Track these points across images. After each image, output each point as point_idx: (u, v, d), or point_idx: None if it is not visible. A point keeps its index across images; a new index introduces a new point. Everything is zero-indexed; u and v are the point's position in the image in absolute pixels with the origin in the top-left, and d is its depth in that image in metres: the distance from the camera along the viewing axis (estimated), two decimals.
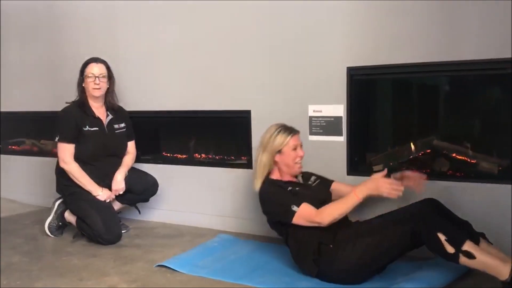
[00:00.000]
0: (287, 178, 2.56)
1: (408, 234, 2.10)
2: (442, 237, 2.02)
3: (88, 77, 3.06)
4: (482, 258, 1.98)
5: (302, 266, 2.40)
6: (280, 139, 2.49)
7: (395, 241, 2.14)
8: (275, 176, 2.56)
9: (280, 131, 2.51)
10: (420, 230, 2.06)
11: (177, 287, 2.35)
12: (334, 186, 2.64)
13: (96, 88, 3.07)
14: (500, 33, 2.39)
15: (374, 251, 2.18)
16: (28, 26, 4.09)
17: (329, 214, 2.30)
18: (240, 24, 3.10)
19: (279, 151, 2.50)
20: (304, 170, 2.61)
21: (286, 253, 2.68)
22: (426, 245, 2.09)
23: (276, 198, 2.46)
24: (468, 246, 2.00)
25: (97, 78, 3.07)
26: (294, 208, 2.33)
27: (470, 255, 1.98)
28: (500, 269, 1.96)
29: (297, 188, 2.49)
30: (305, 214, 2.33)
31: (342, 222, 2.36)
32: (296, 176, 2.61)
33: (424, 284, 2.14)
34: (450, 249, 2.00)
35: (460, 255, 1.99)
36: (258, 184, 2.53)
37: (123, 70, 3.39)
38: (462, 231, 2.08)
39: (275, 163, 2.53)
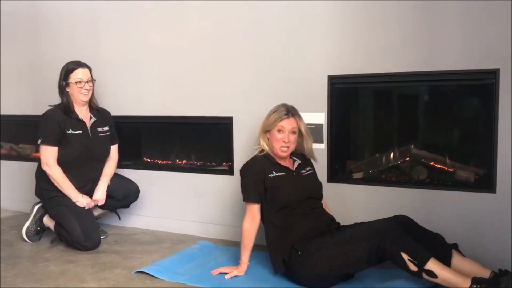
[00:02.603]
0: (282, 161, 2.53)
1: (373, 250, 2.13)
2: (405, 256, 2.06)
3: (77, 83, 3.01)
4: (444, 276, 2.04)
5: (272, 260, 2.45)
6: (272, 118, 2.49)
7: (358, 256, 2.17)
8: (275, 156, 2.52)
9: (276, 110, 2.51)
10: (385, 248, 2.10)
11: None
12: None
13: (85, 94, 3.05)
14: (480, 44, 2.45)
15: (338, 263, 2.22)
16: (8, 28, 4.04)
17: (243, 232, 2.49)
18: (223, 31, 3.11)
19: (268, 131, 2.51)
20: None
21: (266, 259, 2.68)
22: (392, 262, 2.14)
23: (244, 177, 2.50)
24: (430, 264, 2.04)
25: (86, 83, 3.04)
26: (243, 197, 2.49)
27: (431, 274, 2.04)
28: (461, 285, 2.01)
29: (282, 174, 2.47)
30: (247, 212, 2.49)
31: (317, 231, 2.39)
32: (294, 159, 2.57)
33: None
34: (413, 268, 2.06)
35: (423, 273, 2.05)
36: None
37: (104, 74, 3.37)
38: (426, 249, 2.10)
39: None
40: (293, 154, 2.58)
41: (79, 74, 3.03)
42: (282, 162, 2.53)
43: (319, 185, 2.59)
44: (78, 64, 3.06)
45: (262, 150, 2.55)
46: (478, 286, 1.99)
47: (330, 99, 2.81)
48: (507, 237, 2.43)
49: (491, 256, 2.44)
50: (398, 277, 2.28)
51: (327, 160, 2.83)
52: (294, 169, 2.54)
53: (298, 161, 2.57)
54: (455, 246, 2.27)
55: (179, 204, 3.37)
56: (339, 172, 2.90)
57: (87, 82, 3.04)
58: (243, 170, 2.52)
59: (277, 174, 2.47)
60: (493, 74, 2.43)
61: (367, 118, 3.00)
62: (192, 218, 3.31)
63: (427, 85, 2.73)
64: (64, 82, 3.04)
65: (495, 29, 2.41)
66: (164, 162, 3.53)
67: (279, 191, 2.44)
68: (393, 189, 2.71)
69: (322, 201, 2.59)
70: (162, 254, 2.89)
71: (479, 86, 2.56)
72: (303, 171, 2.57)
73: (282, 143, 2.45)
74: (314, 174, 2.62)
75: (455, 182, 2.62)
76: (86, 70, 3.07)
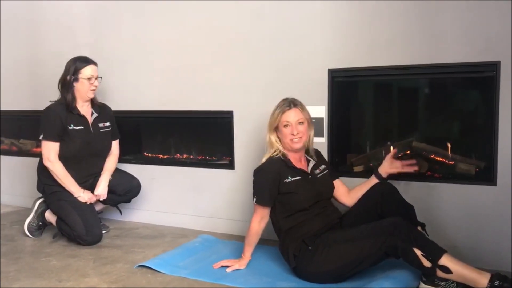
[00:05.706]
0: (297, 160, 2.46)
1: (384, 247, 2.11)
2: (418, 252, 2.05)
3: (87, 79, 3.02)
4: (459, 272, 2.01)
5: (283, 254, 2.43)
6: (275, 114, 2.42)
7: (369, 253, 2.15)
8: (290, 155, 2.45)
9: (277, 106, 2.44)
10: (397, 245, 2.08)
11: (158, 287, 2.34)
12: (336, 183, 2.58)
13: (93, 90, 3.06)
14: (480, 37, 2.44)
15: (346, 260, 2.20)
16: (7, 24, 4.03)
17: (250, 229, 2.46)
18: (222, 25, 3.10)
19: (276, 128, 2.44)
20: None
21: (267, 253, 2.69)
22: (403, 259, 2.11)
23: (259, 179, 2.43)
24: (444, 260, 2.03)
25: (95, 80, 3.05)
26: (255, 199, 2.42)
27: (446, 270, 2.01)
28: (478, 280, 1.99)
29: (297, 178, 2.39)
30: (256, 213, 2.45)
31: (327, 225, 2.39)
32: (310, 156, 2.51)
33: (401, 283, 2.17)
34: (427, 264, 2.04)
35: (437, 269, 2.03)
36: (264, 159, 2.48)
37: (105, 69, 3.35)
38: (438, 245, 2.10)
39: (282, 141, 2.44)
40: (306, 152, 2.52)
41: (89, 71, 3.04)
42: (297, 164, 2.45)
43: (331, 188, 2.53)
44: (87, 61, 3.07)
45: (276, 151, 2.46)
46: (501, 284, 1.94)
47: (331, 93, 2.81)
48: (507, 229, 2.43)
49: (490, 248, 2.45)
50: (398, 266, 2.29)
51: (328, 153, 2.83)
52: (309, 171, 2.47)
53: (312, 161, 2.50)
54: (422, 225, 2.31)
55: (180, 198, 3.37)
56: (340, 165, 2.90)
57: (96, 79, 3.06)
58: (257, 172, 2.44)
59: (293, 179, 2.38)
60: (494, 67, 2.42)
61: (367, 111, 3.00)
62: (193, 212, 3.32)
63: (428, 78, 2.72)
64: (73, 77, 3.03)
65: (496, 21, 2.40)
66: (165, 156, 3.53)
67: (293, 197, 2.38)
68: (394, 182, 2.71)
69: (344, 189, 2.57)
70: (163, 248, 2.90)
71: (480, 78, 2.56)
72: (317, 170, 2.50)
73: (291, 136, 2.39)
74: (327, 174, 2.54)
75: (455, 175, 2.62)
76: (94, 66, 3.09)
